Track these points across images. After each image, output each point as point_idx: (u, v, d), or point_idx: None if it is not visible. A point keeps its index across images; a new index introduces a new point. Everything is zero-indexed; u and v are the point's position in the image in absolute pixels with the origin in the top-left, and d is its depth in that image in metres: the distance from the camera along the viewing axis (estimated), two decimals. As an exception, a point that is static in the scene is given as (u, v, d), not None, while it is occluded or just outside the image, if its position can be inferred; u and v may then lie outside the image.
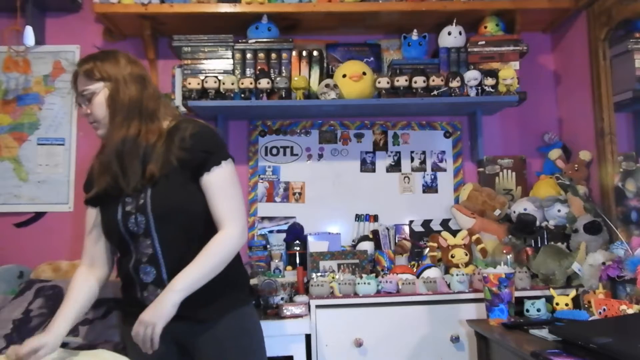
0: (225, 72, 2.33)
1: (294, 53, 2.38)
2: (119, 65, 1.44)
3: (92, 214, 1.53)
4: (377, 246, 2.33)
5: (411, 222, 2.48)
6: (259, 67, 2.35)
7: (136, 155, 1.40)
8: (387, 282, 2.01)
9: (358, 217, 2.50)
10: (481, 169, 2.52)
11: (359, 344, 1.91)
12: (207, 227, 1.43)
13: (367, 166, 2.56)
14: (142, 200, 1.40)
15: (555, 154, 2.43)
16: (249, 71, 2.34)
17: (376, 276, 2.08)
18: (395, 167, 2.57)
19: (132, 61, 1.48)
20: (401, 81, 2.27)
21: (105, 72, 1.42)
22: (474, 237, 2.24)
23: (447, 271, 2.16)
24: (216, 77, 2.26)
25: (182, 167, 1.40)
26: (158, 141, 1.42)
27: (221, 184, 1.43)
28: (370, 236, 2.36)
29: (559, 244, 2.15)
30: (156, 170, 1.39)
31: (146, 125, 1.42)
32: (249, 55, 2.35)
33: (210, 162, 1.42)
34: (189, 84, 2.25)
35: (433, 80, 2.26)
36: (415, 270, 2.14)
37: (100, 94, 1.42)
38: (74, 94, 1.49)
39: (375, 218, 2.48)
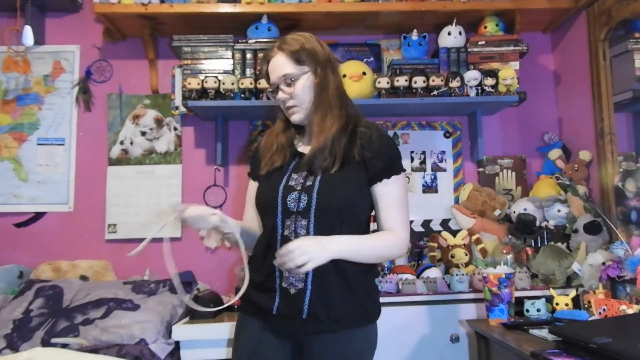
0: (225, 72, 2.33)
1: (294, 53, 2.38)
2: (322, 49, 1.42)
3: (254, 188, 1.51)
4: (377, 246, 2.33)
5: (411, 222, 2.48)
6: (259, 67, 2.34)
7: (340, 143, 1.38)
8: (387, 282, 2.01)
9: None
10: (481, 169, 2.52)
11: (359, 344, 1.91)
12: (364, 229, 1.44)
13: (367, 166, 2.56)
14: (309, 182, 1.37)
15: (555, 154, 2.43)
16: (249, 71, 2.34)
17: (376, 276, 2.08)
18: (395, 167, 2.56)
19: (324, 45, 1.45)
20: (401, 81, 2.27)
21: (312, 56, 1.39)
22: (474, 237, 2.24)
23: (447, 271, 2.16)
24: (216, 77, 2.26)
25: (361, 165, 1.38)
26: (345, 131, 1.40)
27: (398, 194, 1.41)
28: (370, 236, 2.36)
29: (559, 244, 2.15)
30: (339, 161, 1.37)
31: (346, 112, 1.42)
32: (248, 55, 2.34)
33: (392, 170, 1.40)
34: (189, 84, 2.25)
35: (433, 80, 2.26)
36: (415, 270, 2.15)
37: (305, 78, 1.39)
38: (265, 78, 1.45)
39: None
